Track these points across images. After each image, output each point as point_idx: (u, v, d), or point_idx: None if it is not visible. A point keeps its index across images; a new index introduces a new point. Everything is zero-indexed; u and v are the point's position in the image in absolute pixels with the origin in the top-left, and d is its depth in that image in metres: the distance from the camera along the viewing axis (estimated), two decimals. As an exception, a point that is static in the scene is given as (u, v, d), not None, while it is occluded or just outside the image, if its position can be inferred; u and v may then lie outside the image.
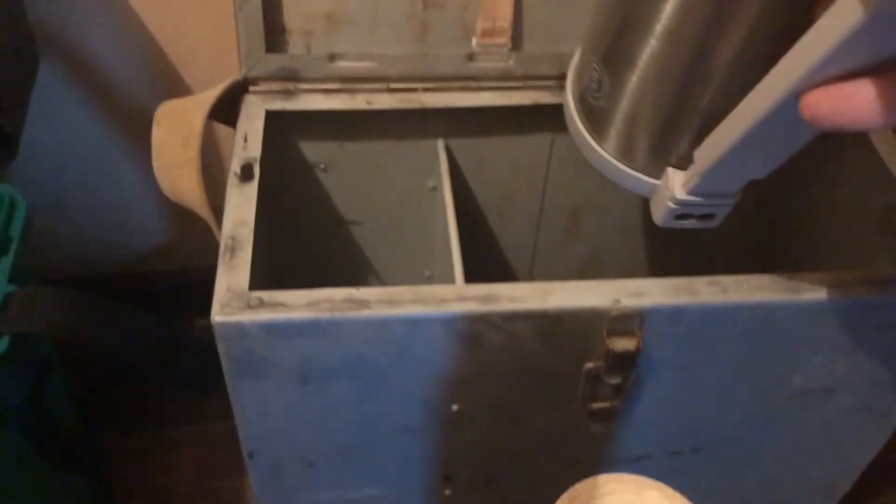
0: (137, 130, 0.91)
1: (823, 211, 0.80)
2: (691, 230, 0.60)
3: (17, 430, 0.66)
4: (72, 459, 0.80)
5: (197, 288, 1.04)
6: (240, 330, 0.55)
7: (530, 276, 0.93)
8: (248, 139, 0.68)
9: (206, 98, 0.66)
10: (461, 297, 0.57)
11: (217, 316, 0.54)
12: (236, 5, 0.69)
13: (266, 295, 0.56)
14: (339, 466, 0.67)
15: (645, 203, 0.88)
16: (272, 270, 0.84)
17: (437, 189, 0.82)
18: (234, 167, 0.65)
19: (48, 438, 0.74)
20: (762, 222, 0.87)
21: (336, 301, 0.56)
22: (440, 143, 0.77)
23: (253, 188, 0.64)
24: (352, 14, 0.72)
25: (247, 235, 0.60)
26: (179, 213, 0.97)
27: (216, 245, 0.59)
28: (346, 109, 0.72)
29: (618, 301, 0.57)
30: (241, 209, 0.62)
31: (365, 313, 0.55)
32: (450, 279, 0.85)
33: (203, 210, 0.62)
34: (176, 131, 0.63)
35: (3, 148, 0.69)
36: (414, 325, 0.56)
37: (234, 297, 0.56)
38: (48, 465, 0.74)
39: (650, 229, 0.89)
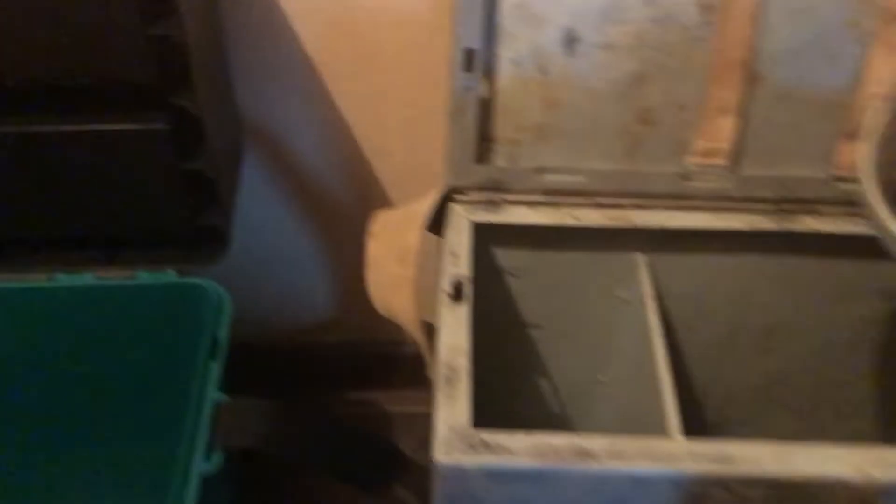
0: (326, 221, 0.92)
1: None
2: None
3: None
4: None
5: (354, 360, 1.05)
6: (461, 472, 0.53)
7: (708, 392, 0.88)
8: (457, 254, 0.67)
9: (421, 212, 0.65)
10: (692, 455, 0.53)
11: (440, 457, 0.53)
12: (451, 114, 0.69)
13: (489, 437, 0.54)
14: None
15: (836, 326, 0.84)
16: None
17: (627, 301, 0.79)
18: (445, 286, 0.64)
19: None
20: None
21: (562, 450, 0.53)
22: (641, 258, 0.75)
23: (466, 309, 0.63)
24: (563, 127, 0.70)
25: (464, 364, 0.58)
26: (344, 291, 0.99)
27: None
28: (551, 225, 0.70)
29: (867, 473, 0.52)
30: (455, 333, 0.61)
31: (591, 466, 0.53)
32: (624, 385, 0.82)
33: (415, 331, 0.62)
34: (391, 246, 0.63)
35: (216, 242, 0.70)
36: (640, 482, 0.53)
37: (456, 437, 0.54)
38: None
39: (840, 351, 0.83)
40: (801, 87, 0.67)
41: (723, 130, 0.69)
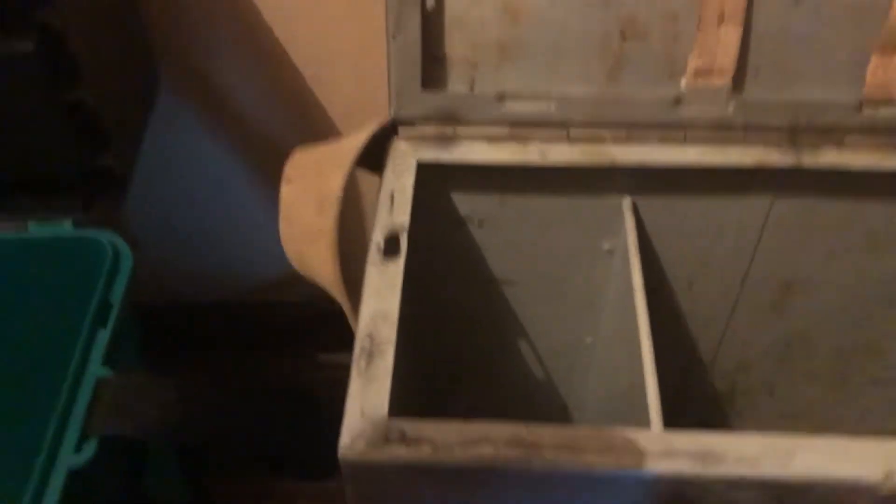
0: (266, 159, 0.80)
1: None
2: None
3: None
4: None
5: (323, 321, 0.95)
6: (373, 470, 0.43)
7: (716, 355, 0.77)
8: (394, 200, 0.55)
9: (348, 151, 0.54)
10: (668, 451, 0.42)
11: (346, 451, 0.42)
12: (389, 31, 0.56)
13: (408, 426, 0.43)
14: None
15: (869, 279, 0.71)
16: (411, 342, 0.72)
17: (612, 252, 0.67)
18: (377, 237, 0.53)
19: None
20: None
21: (498, 442, 0.42)
22: (626, 202, 0.62)
23: (398, 266, 0.51)
24: (530, 44, 0.58)
25: (388, 335, 0.47)
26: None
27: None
28: (514, 164, 0.58)
29: (891, 475, 0.41)
30: (382, 296, 0.49)
31: (535, 463, 0.42)
32: (615, 347, 0.71)
33: (336, 291, 0.51)
34: (310, 192, 0.52)
35: (111, 190, 0.60)
36: (601, 483, 0.42)
37: (368, 426, 0.43)
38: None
39: (876, 308, 0.71)
40: (822, -14, 0.54)
41: (723, 43, 0.55)
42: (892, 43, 0.55)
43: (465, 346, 0.79)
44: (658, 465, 0.41)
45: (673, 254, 0.68)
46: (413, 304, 0.71)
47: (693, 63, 0.57)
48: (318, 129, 0.77)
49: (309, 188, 0.52)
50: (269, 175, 0.82)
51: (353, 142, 0.55)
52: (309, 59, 0.73)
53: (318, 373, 0.94)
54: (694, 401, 0.83)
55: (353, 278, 0.53)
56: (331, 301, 0.55)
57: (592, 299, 0.73)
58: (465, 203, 0.65)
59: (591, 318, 0.75)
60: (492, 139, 0.60)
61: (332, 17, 0.70)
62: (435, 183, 0.62)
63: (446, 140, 0.60)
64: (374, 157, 0.60)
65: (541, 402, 0.84)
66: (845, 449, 0.42)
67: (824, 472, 0.41)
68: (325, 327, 0.90)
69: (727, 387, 0.81)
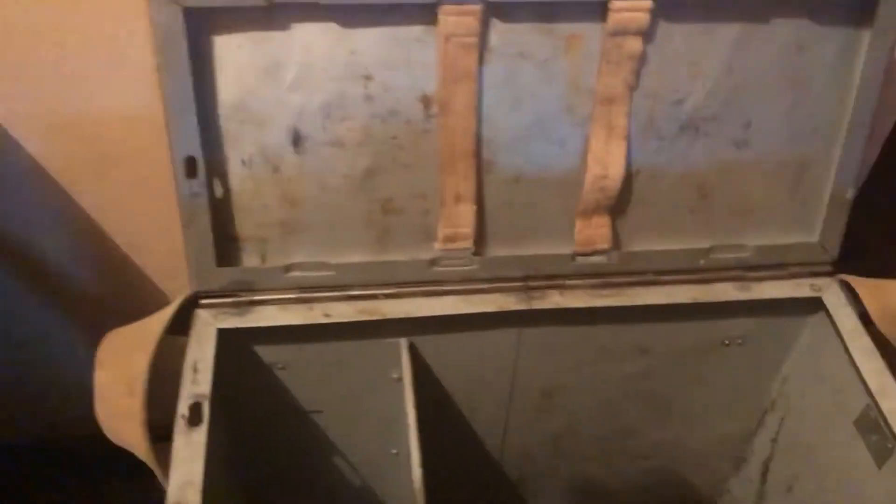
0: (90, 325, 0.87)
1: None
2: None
3: None
4: None
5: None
6: None
7: (502, 451, 0.89)
8: (197, 370, 0.64)
9: (152, 333, 0.62)
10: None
11: None
12: (183, 221, 0.66)
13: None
14: None
15: (610, 381, 0.85)
16: (236, 467, 0.80)
17: (401, 380, 0.78)
18: (181, 408, 0.61)
19: None
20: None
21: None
22: (403, 342, 0.74)
23: (202, 434, 0.60)
24: (309, 223, 0.69)
25: (195, 500, 0.56)
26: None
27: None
28: (302, 325, 0.69)
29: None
30: (187, 465, 0.58)
31: None
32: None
33: (151, 463, 0.58)
34: (120, 375, 0.60)
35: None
36: None
37: (177, 588, 0.52)
38: None
39: (621, 402, 0.86)
40: (532, 169, 0.68)
41: (463, 216, 0.69)
42: (589, 209, 0.70)
43: (291, 465, 0.87)
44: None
45: (450, 376, 0.80)
46: (233, 439, 0.80)
47: (441, 232, 0.69)
48: (141, 292, 0.84)
49: (119, 371, 0.60)
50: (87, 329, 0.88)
51: (157, 324, 0.63)
52: (123, 230, 0.81)
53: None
54: (496, 485, 0.95)
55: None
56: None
57: (392, 416, 0.83)
58: (268, 353, 0.74)
59: (394, 432, 0.85)
60: (283, 303, 0.70)
61: (135, 193, 0.79)
62: (239, 340, 0.71)
63: (243, 307, 0.69)
64: (183, 323, 0.68)
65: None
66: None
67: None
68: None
69: (517, 473, 0.94)
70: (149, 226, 0.80)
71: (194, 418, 0.61)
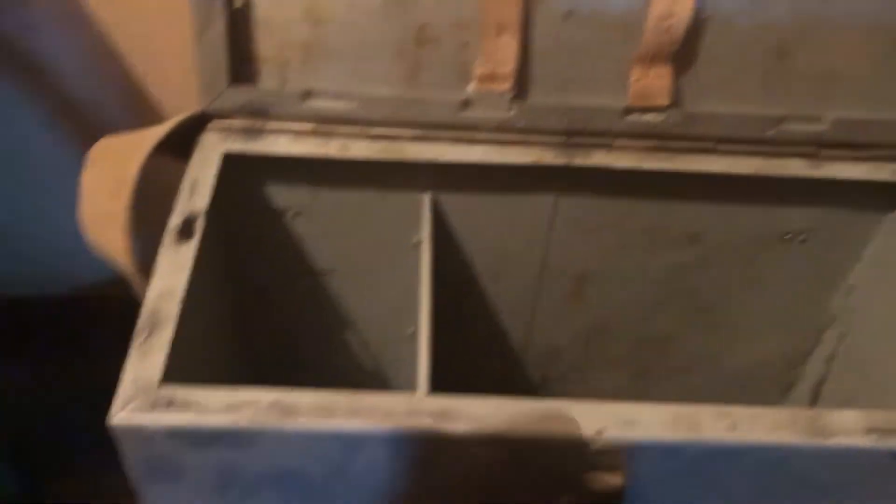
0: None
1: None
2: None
3: None
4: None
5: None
6: (141, 435, 0.46)
7: (527, 346, 0.83)
8: (195, 188, 0.59)
9: (149, 137, 0.57)
10: (413, 411, 0.47)
11: (115, 416, 0.45)
12: (196, 30, 0.60)
13: (179, 392, 0.46)
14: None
15: (660, 272, 0.78)
16: (235, 330, 0.75)
17: (420, 244, 0.72)
18: (173, 221, 0.56)
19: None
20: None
21: (261, 406, 0.46)
22: (426, 197, 0.67)
23: (191, 249, 0.55)
24: (333, 46, 0.62)
25: (171, 311, 0.51)
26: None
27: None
28: (315, 156, 0.63)
29: (601, 432, 0.47)
30: (170, 276, 0.53)
31: (292, 424, 0.46)
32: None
33: (129, 273, 0.53)
34: (107, 177, 0.54)
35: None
36: (351, 442, 0.47)
37: (139, 393, 0.46)
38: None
39: (664, 300, 0.78)
40: (588, 3, 0.60)
41: (503, 51, 0.61)
42: (649, 55, 0.61)
43: (296, 336, 0.82)
44: (402, 424, 0.46)
45: (475, 247, 0.73)
46: (236, 293, 0.74)
47: (478, 70, 0.62)
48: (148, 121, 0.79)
49: (107, 173, 0.55)
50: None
51: (156, 130, 0.58)
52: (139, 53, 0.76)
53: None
54: (514, 386, 0.89)
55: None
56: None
57: (409, 291, 0.77)
58: (280, 195, 0.68)
59: (410, 309, 0.79)
60: (297, 134, 0.64)
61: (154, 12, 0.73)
62: (249, 175, 0.65)
63: (253, 133, 0.63)
64: (187, 147, 0.63)
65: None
66: (566, 410, 0.47)
67: (544, 430, 0.47)
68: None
69: (541, 374, 0.87)
70: (169, 52, 0.75)
71: (185, 232, 0.55)
